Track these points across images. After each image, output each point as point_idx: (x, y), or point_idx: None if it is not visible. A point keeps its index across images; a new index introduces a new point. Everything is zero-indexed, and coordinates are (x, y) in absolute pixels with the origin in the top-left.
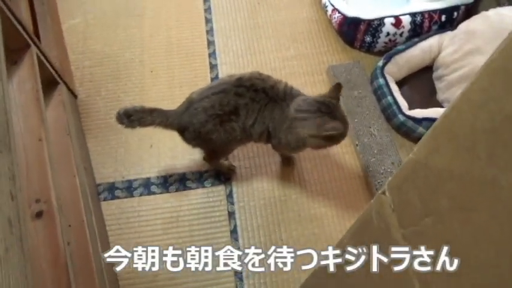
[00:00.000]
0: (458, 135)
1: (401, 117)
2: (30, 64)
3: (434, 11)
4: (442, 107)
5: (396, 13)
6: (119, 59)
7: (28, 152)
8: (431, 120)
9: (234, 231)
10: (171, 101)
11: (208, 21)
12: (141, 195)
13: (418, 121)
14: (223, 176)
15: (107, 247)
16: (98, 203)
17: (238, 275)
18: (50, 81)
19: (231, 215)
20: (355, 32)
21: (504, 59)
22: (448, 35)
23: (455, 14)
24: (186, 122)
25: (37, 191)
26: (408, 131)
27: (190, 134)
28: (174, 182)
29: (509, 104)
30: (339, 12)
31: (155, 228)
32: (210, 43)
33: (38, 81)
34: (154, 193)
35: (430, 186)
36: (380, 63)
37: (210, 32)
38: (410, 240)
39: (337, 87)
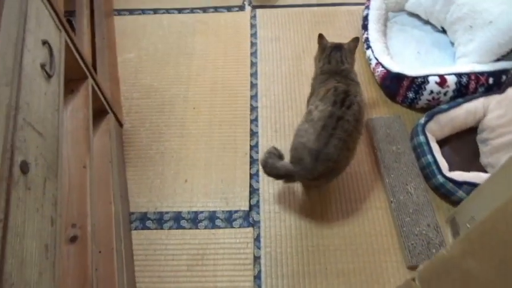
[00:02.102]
0: (493, 246)
1: (440, 178)
2: (85, 94)
3: (482, 73)
4: (484, 171)
5: (441, 72)
6: (165, 94)
7: (72, 177)
8: (472, 184)
9: (258, 277)
10: (209, 138)
11: (253, 64)
12: (170, 228)
13: (459, 184)
14: None
15: (132, 276)
16: (129, 232)
17: None
18: (100, 110)
19: (256, 259)
20: (397, 87)
21: None
22: (495, 98)
23: (504, 77)
24: (324, 169)
25: (74, 215)
26: (447, 193)
27: (328, 175)
28: (204, 219)
29: None
30: (383, 66)
31: (180, 263)
32: (253, 86)
33: (90, 110)
34: (183, 228)
35: None
36: (422, 121)
37: (254, 75)
38: None
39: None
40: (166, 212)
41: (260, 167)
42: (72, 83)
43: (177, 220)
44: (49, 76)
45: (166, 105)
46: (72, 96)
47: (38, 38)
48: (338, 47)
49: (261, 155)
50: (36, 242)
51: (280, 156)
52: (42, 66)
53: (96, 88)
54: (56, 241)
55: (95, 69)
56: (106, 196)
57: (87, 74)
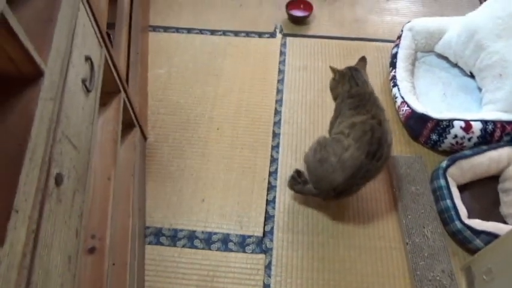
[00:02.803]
0: None
1: (458, 225)
2: (117, 108)
3: (508, 122)
4: (504, 221)
5: (467, 117)
6: (191, 112)
7: (96, 189)
8: (491, 234)
9: None
10: (230, 160)
11: (279, 91)
12: (183, 246)
13: (477, 232)
14: None
15: None
16: (143, 246)
17: None
18: (128, 123)
19: (265, 287)
20: (421, 128)
21: None
22: None
23: None
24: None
25: (95, 226)
26: (464, 240)
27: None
28: (217, 240)
29: None
30: (408, 105)
31: (190, 283)
32: (277, 112)
33: (120, 124)
34: (196, 247)
35: None
36: (443, 164)
37: (278, 102)
38: None
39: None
40: (181, 230)
41: (277, 194)
42: (105, 96)
43: (191, 239)
44: (88, 91)
45: (191, 123)
46: (104, 109)
47: (82, 53)
48: (355, 69)
49: (287, 179)
50: (62, 253)
51: (305, 181)
52: (83, 81)
53: (127, 102)
54: (78, 252)
55: (127, 83)
56: (126, 209)
57: (121, 88)
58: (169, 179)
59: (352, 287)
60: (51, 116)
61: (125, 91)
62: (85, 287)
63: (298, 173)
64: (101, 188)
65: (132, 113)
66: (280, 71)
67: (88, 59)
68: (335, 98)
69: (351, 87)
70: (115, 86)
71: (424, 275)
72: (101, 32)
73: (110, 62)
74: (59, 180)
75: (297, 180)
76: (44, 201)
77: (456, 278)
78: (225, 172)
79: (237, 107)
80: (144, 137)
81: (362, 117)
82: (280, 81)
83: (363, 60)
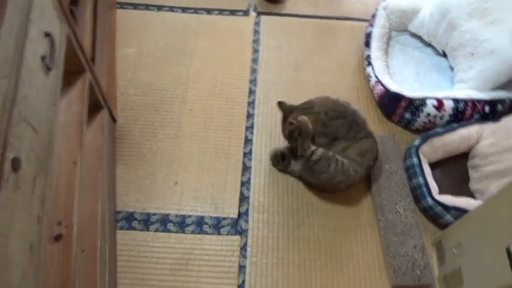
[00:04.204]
0: None
1: (430, 201)
2: (82, 88)
3: (479, 101)
4: (473, 196)
5: (440, 96)
6: (162, 93)
7: (61, 173)
8: (461, 210)
9: (241, 287)
10: (203, 141)
11: (253, 71)
12: (156, 230)
13: (447, 208)
14: None
15: (113, 277)
16: (114, 231)
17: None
18: (96, 104)
19: (241, 268)
20: (395, 107)
21: None
22: (489, 126)
23: (500, 106)
24: None
25: (61, 213)
26: (435, 215)
27: None
28: (192, 223)
29: None
30: (382, 85)
31: (164, 267)
32: (252, 92)
33: (86, 105)
34: (170, 231)
35: None
36: (416, 143)
37: (253, 81)
38: None
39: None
40: (154, 214)
41: (252, 175)
42: (69, 75)
43: (164, 222)
44: (48, 69)
45: (163, 105)
46: (68, 90)
47: (41, 29)
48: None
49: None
50: (21, 241)
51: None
52: (43, 58)
53: (93, 82)
54: (41, 240)
55: (93, 62)
56: (94, 193)
57: (86, 67)
58: (141, 162)
59: (327, 265)
60: (5, 94)
61: (91, 70)
62: (52, 275)
63: (282, 155)
64: (66, 173)
65: (99, 94)
66: (255, 50)
67: (48, 35)
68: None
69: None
70: (79, 65)
71: (396, 251)
72: (62, 6)
73: (73, 39)
74: (16, 165)
75: (278, 160)
76: (0, 187)
77: (427, 252)
78: (199, 154)
79: (210, 87)
80: (114, 119)
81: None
82: (255, 60)
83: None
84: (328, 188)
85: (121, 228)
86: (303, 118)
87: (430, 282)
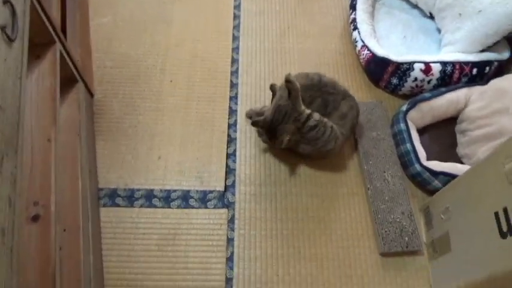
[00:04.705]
0: None
1: (418, 167)
2: (53, 60)
3: (466, 63)
4: (461, 162)
5: (427, 60)
6: (141, 64)
7: (35, 152)
8: (449, 175)
9: (230, 259)
10: (186, 113)
11: (235, 38)
12: (141, 206)
13: (435, 174)
14: None
15: (99, 255)
16: (97, 209)
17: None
18: (69, 78)
19: (229, 241)
20: (382, 72)
21: None
22: (477, 89)
23: (488, 68)
24: None
25: (37, 193)
26: (423, 182)
27: None
28: (177, 198)
29: None
30: (369, 49)
31: (150, 243)
32: (234, 61)
33: (57, 79)
34: (155, 206)
35: None
36: (403, 108)
37: (235, 49)
38: None
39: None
40: (138, 189)
41: (238, 147)
42: (38, 48)
43: (149, 198)
44: (10, 40)
45: (142, 76)
46: (38, 63)
47: None
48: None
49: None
50: None
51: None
52: (3, 28)
53: (64, 54)
54: (15, 224)
55: (64, 34)
56: (73, 171)
57: (55, 38)
58: (122, 137)
59: (316, 234)
60: None
61: (61, 42)
62: (31, 257)
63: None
64: (40, 151)
65: (72, 67)
66: (236, 17)
67: (7, 2)
68: None
69: None
70: (48, 36)
71: (384, 218)
72: None
73: (38, 7)
74: None
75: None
76: None
77: (415, 218)
78: (182, 127)
79: (191, 56)
80: (90, 93)
81: None
82: (236, 27)
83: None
84: (317, 155)
85: (104, 206)
86: (288, 74)
87: (418, 248)
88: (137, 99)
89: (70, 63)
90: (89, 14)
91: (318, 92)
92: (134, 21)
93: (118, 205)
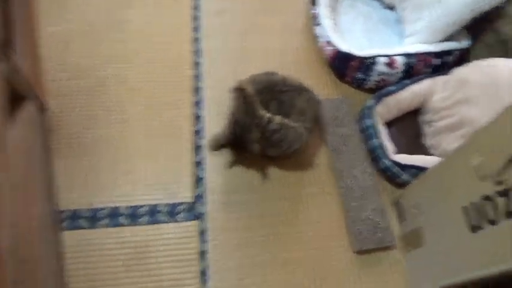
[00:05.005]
0: None
1: (387, 162)
2: None
3: (429, 54)
4: (429, 152)
5: (390, 53)
6: (99, 74)
7: None
8: (417, 167)
9: (204, 272)
10: (150, 124)
11: (196, 40)
12: (107, 226)
13: (403, 167)
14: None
15: (62, 283)
16: (58, 234)
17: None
18: (18, 94)
19: (202, 253)
20: (346, 68)
21: None
22: (440, 80)
23: (450, 58)
24: None
25: None
26: (393, 176)
27: None
28: (145, 213)
29: None
30: (332, 45)
31: (117, 264)
32: (196, 64)
33: (4, 96)
34: (122, 224)
35: None
36: (369, 103)
37: (197, 52)
38: None
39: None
40: (102, 209)
41: (206, 155)
42: None
43: (115, 217)
44: None
45: (101, 87)
46: None
47: None
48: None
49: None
50: None
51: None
52: None
53: (9, 72)
54: None
55: (10, 45)
56: (28, 196)
57: None
58: (83, 153)
59: (292, 238)
60: None
61: (6, 54)
62: None
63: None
64: None
65: (21, 82)
66: (195, 18)
67: None
68: None
69: None
70: None
71: (357, 216)
72: None
73: None
74: None
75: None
76: None
77: (387, 212)
78: (146, 137)
79: (151, 62)
80: (43, 108)
81: None
82: (196, 29)
83: None
84: (285, 155)
85: (67, 229)
86: (238, 81)
87: (391, 243)
88: (98, 111)
89: (18, 78)
90: (40, 22)
91: (270, 93)
92: (89, 28)
93: (81, 227)
